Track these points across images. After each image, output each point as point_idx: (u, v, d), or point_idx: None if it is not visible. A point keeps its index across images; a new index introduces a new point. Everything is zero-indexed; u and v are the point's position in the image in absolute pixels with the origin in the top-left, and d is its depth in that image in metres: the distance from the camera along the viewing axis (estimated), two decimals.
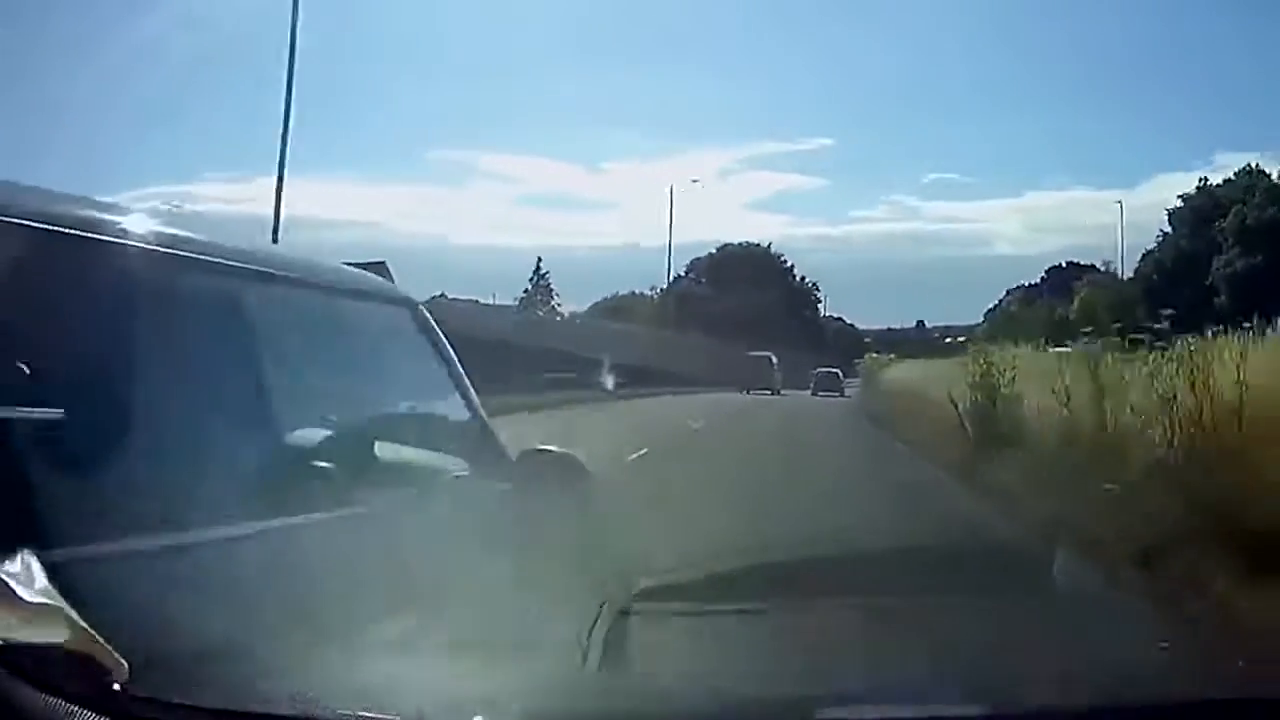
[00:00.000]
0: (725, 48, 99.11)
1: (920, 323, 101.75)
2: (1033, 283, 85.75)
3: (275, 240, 21.43)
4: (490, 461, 3.75)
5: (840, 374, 56.06)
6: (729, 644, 4.40)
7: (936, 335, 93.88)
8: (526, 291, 76.14)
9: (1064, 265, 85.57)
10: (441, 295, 54.34)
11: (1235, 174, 57.54)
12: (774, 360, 51.71)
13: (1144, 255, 62.83)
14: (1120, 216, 65.87)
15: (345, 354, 3.46)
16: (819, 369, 56.19)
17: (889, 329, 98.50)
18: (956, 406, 18.18)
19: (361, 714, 1.89)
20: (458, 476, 3.60)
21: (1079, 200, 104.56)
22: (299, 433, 2.99)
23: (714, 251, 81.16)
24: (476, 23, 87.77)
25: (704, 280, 79.47)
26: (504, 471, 3.74)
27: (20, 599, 1.75)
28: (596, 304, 75.88)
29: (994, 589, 5.31)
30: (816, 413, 35.11)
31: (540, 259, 76.60)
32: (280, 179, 28.60)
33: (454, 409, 3.77)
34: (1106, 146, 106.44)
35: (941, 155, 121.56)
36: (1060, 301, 73.89)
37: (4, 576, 1.77)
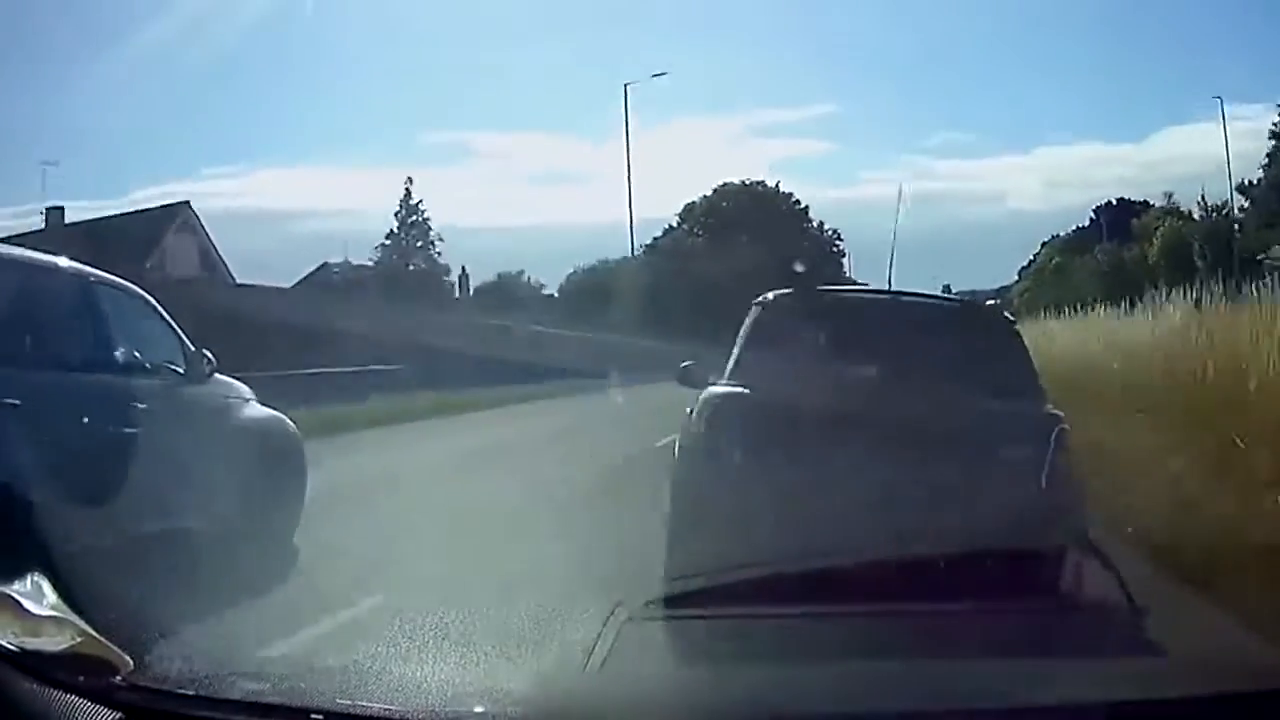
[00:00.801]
0: (724, 14, 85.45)
1: (946, 287, 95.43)
2: (1080, 226, 74.52)
3: None
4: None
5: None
6: (732, 649, 4.20)
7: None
8: (392, 234, 49.24)
9: (1114, 203, 73.85)
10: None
11: None
12: None
13: (1268, 162, 49.20)
14: (1223, 124, 53.53)
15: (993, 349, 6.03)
16: None
17: None
18: None
19: (360, 704, 1.99)
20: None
21: (1090, 155, 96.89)
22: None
23: (709, 194, 67.88)
24: None
25: (700, 231, 66.60)
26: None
27: (28, 612, 1.93)
28: (571, 277, 57.06)
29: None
30: None
31: (410, 179, 49.98)
32: None
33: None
34: (1112, 101, 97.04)
35: (947, 115, 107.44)
36: (1118, 246, 62.42)
37: (13, 594, 1.96)
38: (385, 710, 1.94)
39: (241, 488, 6.49)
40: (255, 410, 7.35)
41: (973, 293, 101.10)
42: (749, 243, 56.87)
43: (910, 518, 5.06)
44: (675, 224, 64.87)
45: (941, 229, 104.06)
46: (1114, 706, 2.02)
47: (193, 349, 6.90)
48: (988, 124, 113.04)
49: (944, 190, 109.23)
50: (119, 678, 1.92)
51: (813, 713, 2.22)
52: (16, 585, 1.98)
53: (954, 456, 5.24)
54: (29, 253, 6.35)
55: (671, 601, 4.30)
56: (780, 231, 60.42)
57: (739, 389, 5.66)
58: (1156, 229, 55.42)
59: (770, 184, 64.64)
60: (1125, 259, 60.45)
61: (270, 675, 2.23)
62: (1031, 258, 79.14)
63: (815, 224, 65.30)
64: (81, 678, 1.89)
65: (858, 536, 4.96)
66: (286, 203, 78.75)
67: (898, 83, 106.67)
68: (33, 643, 1.88)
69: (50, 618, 1.92)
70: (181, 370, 6.77)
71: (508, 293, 51.59)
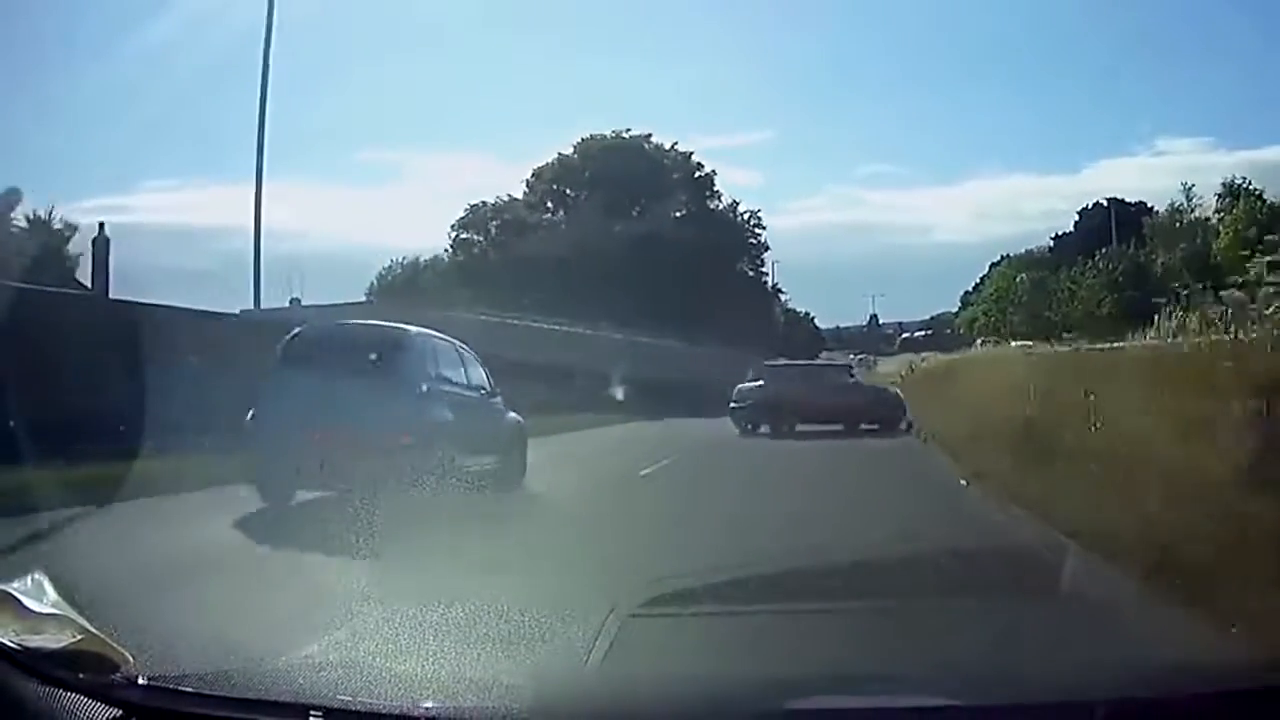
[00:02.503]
0: (657, 40, 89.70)
1: (874, 318, 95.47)
2: (1064, 232, 61.10)
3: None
4: None
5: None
6: (731, 646, 4.40)
7: (891, 331, 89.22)
8: None
9: (1104, 204, 59.07)
10: None
11: None
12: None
13: None
14: None
15: None
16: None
17: (838, 326, 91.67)
18: None
19: (360, 700, 2.00)
20: None
21: (1020, 187, 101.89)
22: None
23: (567, 152, 46.79)
24: (396, 12, 73.36)
25: (548, 203, 46.04)
26: None
27: (29, 610, 1.93)
28: (381, 273, 45.45)
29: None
30: None
31: None
32: None
33: None
34: (1045, 134, 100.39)
35: (877, 146, 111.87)
36: (1134, 249, 47.31)
37: (13, 592, 1.96)
38: (385, 707, 1.96)
39: (506, 449, 12.99)
40: (510, 413, 13.80)
41: (900, 324, 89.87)
42: (618, 219, 37.38)
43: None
44: (521, 194, 44.80)
45: (872, 259, 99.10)
46: (1113, 704, 2.00)
47: (491, 378, 13.50)
48: (917, 156, 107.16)
49: (873, 221, 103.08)
50: (119, 675, 1.93)
51: (812, 709, 2.22)
52: (16, 583, 1.99)
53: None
54: (442, 335, 12.95)
55: (670, 599, 4.47)
56: (669, 205, 40.93)
57: None
58: (1222, 216, 40.95)
59: (666, 145, 44.73)
60: (1150, 262, 48.17)
61: (270, 672, 2.27)
62: (978, 280, 69.28)
63: (727, 202, 45.48)
64: (82, 675, 1.91)
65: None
66: (224, 219, 78.41)
67: (829, 113, 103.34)
68: (33, 640, 1.90)
69: (51, 615, 1.94)
70: (487, 390, 13.32)
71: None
